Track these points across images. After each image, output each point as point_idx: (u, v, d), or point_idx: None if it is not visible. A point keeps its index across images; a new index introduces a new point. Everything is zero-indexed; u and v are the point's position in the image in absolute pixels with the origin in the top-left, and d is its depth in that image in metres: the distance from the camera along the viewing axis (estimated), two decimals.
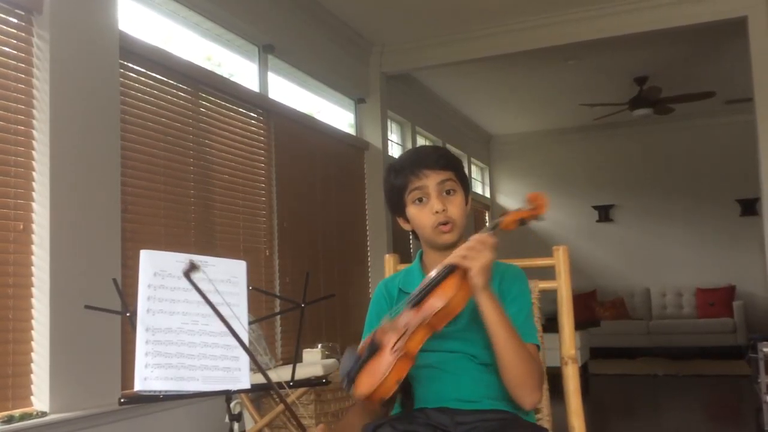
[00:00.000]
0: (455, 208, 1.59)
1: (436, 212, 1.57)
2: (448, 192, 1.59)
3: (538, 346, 1.58)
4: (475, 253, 1.42)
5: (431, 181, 1.58)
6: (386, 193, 1.68)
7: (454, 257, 1.44)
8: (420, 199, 1.60)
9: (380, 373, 1.38)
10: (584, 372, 6.90)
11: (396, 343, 1.41)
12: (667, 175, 9.45)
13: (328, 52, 5.74)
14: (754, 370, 4.91)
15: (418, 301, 1.46)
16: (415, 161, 1.61)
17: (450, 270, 1.44)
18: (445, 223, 1.58)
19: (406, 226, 1.68)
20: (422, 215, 1.60)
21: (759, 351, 4.51)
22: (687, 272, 9.19)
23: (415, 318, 1.43)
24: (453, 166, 1.61)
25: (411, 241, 6.96)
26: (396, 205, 1.66)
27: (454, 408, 1.52)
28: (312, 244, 5.30)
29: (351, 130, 6.37)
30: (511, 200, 10.20)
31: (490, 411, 1.51)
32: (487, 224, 1.38)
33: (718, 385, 6.67)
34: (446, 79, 7.38)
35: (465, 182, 1.64)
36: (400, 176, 1.62)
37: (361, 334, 1.65)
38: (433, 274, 1.47)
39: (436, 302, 1.42)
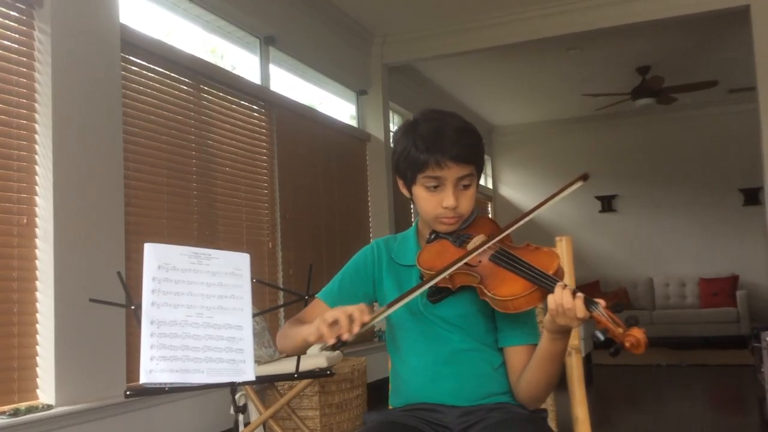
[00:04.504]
0: (466, 202, 1.51)
1: (446, 207, 1.49)
2: (464, 186, 1.51)
3: None
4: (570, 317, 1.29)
5: (451, 174, 1.47)
6: (397, 155, 1.55)
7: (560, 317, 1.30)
8: (433, 186, 1.50)
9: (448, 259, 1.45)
10: (587, 362, 6.90)
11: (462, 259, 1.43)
12: (669, 164, 9.43)
13: (329, 44, 5.73)
14: (757, 359, 4.91)
15: (501, 264, 1.41)
16: (440, 147, 1.46)
17: (537, 279, 1.34)
18: (450, 216, 1.51)
19: (405, 192, 1.58)
20: (430, 203, 1.51)
21: (762, 340, 4.51)
22: (690, 262, 9.18)
23: (484, 270, 1.42)
24: (476, 159, 1.50)
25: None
26: (403, 175, 1.55)
27: (455, 404, 1.50)
28: (315, 236, 5.31)
29: (353, 122, 6.37)
30: (513, 191, 10.19)
31: (493, 405, 1.50)
32: (590, 305, 1.27)
33: (721, 374, 6.67)
34: (448, 69, 7.36)
35: (481, 170, 1.54)
36: (419, 153, 1.48)
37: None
38: (530, 271, 1.37)
39: (502, 286, 1.37)
